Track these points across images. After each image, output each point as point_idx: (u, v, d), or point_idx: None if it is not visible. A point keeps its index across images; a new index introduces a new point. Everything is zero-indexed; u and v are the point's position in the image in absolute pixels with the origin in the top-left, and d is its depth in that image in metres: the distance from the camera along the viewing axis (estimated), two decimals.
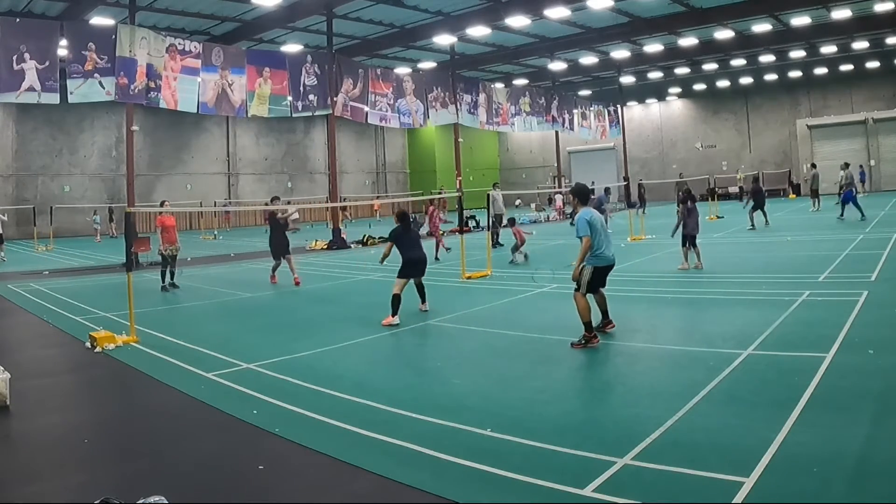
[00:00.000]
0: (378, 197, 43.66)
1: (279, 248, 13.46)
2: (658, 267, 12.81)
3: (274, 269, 13.81)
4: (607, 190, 25.69)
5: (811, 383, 5.35)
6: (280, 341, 8.09)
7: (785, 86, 39.53)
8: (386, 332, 8.40)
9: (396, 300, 8.91)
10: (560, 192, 32.81)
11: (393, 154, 51.04)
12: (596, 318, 7.42)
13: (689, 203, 12.49)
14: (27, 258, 21.93)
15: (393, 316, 8.81)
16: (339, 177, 33.86)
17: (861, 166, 35.27)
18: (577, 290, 7.28)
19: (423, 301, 9.64)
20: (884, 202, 27.13)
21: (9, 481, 4.35)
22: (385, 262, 9.72)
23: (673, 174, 41.80)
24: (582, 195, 7.66)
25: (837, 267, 11.44)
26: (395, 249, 9.56)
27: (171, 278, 13.38)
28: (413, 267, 9.33)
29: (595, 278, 7.31)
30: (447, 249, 17.20)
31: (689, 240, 12.28)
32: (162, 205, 14.81)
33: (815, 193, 25.61)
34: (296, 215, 31.17)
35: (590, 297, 7.34)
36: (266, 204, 15.60)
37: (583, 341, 7.07)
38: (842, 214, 20.25)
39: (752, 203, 19.54)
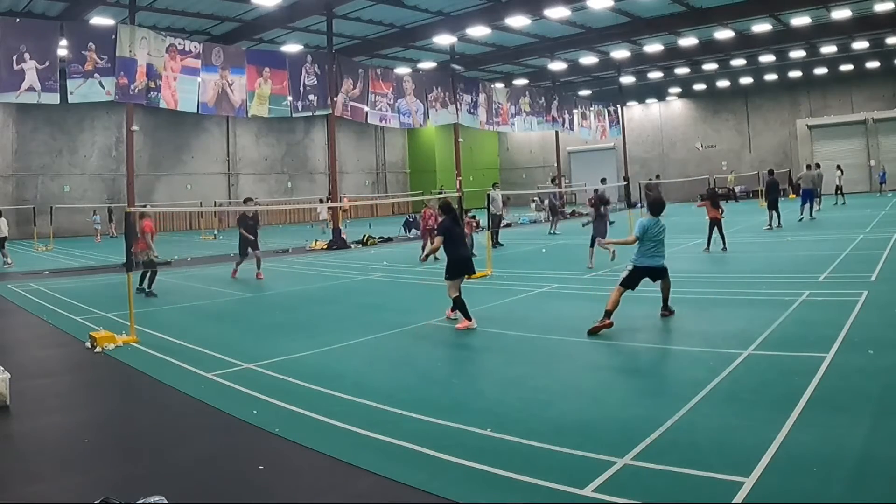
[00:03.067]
0: (354, 198, 38.20)
1: (247, 245, 14.37)
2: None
3: (238, 265, 14.83)
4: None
5: (811, 383, 5.35)
6: (280, 341, 8.09)
7: (785, 86, 39.52)
8: (386, 332, 8.40)
9: (460, 303, 8.32)
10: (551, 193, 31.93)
11: (393, 154, 51.03)
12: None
13: (602, 209, 13.77)
14: (27, 258, 21.92)
15: (469, 319, 8.25)
16: (339, 177, 33.84)
17: (884, 166, 34.80)
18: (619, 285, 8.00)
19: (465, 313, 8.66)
20: (884, 202, 27.13)
21: (9, 481, 4.35)
22: (429, 260, 9.01)
23: (673, 174, 41.82)
24: (656, 206, 8.28)
25: (837, 267, 11.44)
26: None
27: (150, 284, 12.61)
28: (464, 265, 8.59)
29: (632, 277, 7.94)
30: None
31: (594, 241, 13.34)
32: (145, 206, 14.46)
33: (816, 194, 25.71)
34: (324, 215, 31.03)
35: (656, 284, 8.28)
36: (245, 202, 16.39)
37: (596, 323, 7.63)
38: (810, 214, 20.93)
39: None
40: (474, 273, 8.86)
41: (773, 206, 18.87)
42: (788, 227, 18.88)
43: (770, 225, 18.78)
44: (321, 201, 34.13)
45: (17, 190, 33.14)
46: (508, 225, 26.58)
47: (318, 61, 21.47)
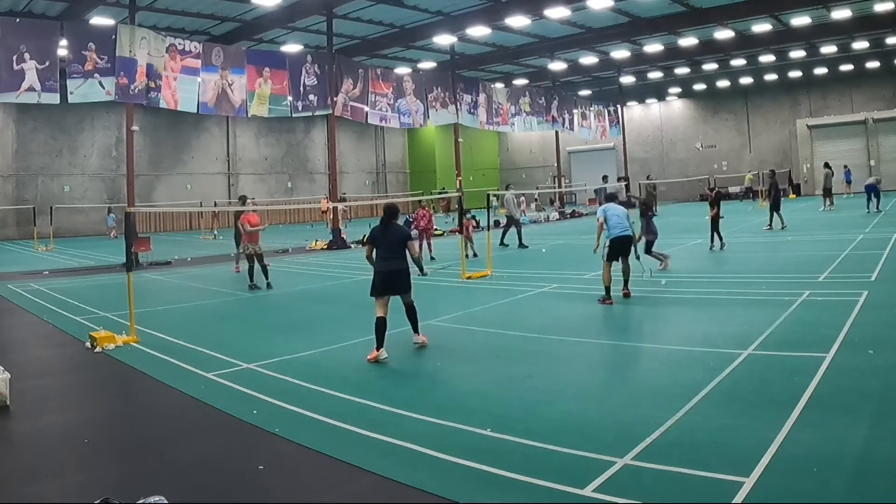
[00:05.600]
0: (330, 198, 31.68)
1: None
2: (658, 267, 12.79)
3: (237, 259, 15.37)
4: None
5: (811, 383, 5.35)
6: (280, 341, 8.09)
7: (785, 86, 39.52)
8: (386, 331, 8.37)
9: (377, 325, 6.98)
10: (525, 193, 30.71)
11: (393, 154, 51.03)
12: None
13: (649, 212, 13.08)
14: (27, 258, 21.92)
15: (377, 349, 6.92)
16: (340, 177, 33.81)
17: (845, 166, 35.01)
18: (604, 259, 9.74)
19: (416, 331, 7.53)
20: (884, 202, 27.09)
21: (9, 481, 4.35)
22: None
23: (673, 174, 41.82)
24: (610, 197, 10.48)
25: (837, 267, 11.45)
26: None
27: (266, 277, 12.92)
28: (383, 281, 7.18)
29: (612, 249, 9.66)
30: (431, 258, 16.46)
31: (650, 245, 12.55)
32: (244, 202, 14.68)
33: (827, 192, 25.77)
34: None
35: (616, 269, 9.79)
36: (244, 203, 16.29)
37: (600, 299, 9.49)
38: (877, 207, 22.45)
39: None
40: (403, 293, 7.34)
41: (775, 206, 18.72)
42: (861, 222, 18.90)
43: (770, 225, 18.64)
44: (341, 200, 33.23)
45: (17, 190, 33.13)
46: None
47: (318, 61, 21.47)
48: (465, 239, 15.68)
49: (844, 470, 3.84)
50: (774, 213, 18.69)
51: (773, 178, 19.33)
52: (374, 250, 7.35)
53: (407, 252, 7.41)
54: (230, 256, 17.55)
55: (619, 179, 26.76)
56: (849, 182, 32.26)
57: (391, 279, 7.20)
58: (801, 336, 6.96)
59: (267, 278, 12.96)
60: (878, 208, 22.65)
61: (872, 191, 22.83)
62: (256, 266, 12.97)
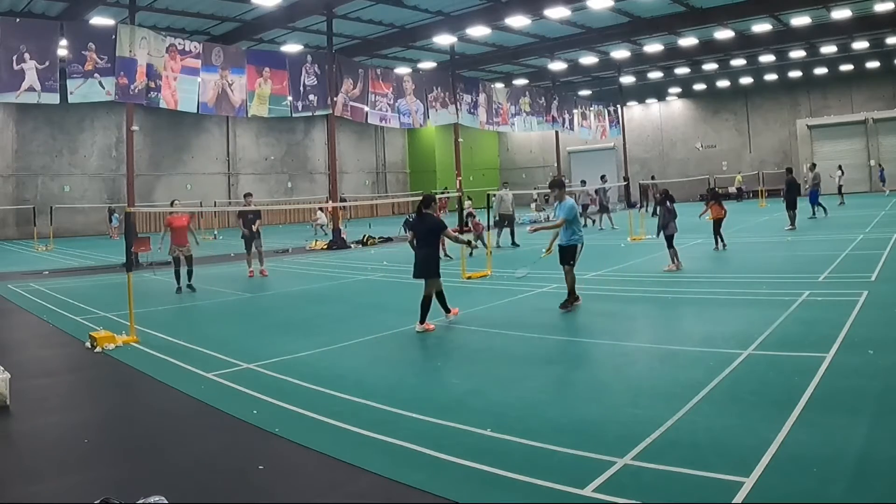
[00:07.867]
0: (326, 202, 31.39)
1: (249, 240, 15.03)
2: (658, 267, 12.81)
3: (249, 262, 15.31)
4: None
5: (811, 383, 5.35)
6: (280, 341, 8.09)
7: (785, 86, 39.51)
8: (386, 332, 8.39)
9: (422, 303, 8.32)
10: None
11: (393, 154, 51.03)
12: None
13: (668, 204, 12.75)
14: (27, 258, 21.91)
15: (420, 322, 8.27)
16: (339, 177, 33.81)
17: (881, 166, 34.91)
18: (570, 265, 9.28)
19: (445, 311, 8.73)
20: (884, 202, 27.13)
21: (9, 481, 4.35)
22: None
23: (673, 174, 41.80)
24: (560, 186, 9.52)
25: (837, 267, 11.45)
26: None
27: (189, 279, 12.97)
28: (416, 266, 8.56)
29: (565, 254, 9.29)
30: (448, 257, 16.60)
31: (670, 240, 12.40)
32: (172, 204, 14.65)
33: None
34: (322, 220, 30.71)
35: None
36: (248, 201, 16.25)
37: (566, 305, 9.18)
38: (813, 214, 21.16)
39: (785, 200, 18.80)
40: (424, 276, 8.44)
41: (791, 205, 18.53)
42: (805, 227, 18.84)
43: (793, 224, 18.39)
44: (320, 209, 33.24)
45: (17, 190, 33.14)
46: None
47: (318, 61, 21.47)
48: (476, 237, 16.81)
49: (844, 470, 3.84)
50: (792, 212, 18.44)
51: (790, 177, 19.11)
52: (415, 237, 8.90)
53: (441, 240, 8.95)
54: (231, 256, 17.57)
55: (582, 182, 26.70)
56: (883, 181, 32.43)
57: (419, 264, 8.49)
58: (801, 336, 6.96)
59: (189, 280, 12.93)
60: (813, 214, 21.17)
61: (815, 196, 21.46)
62: (183, 269, 12.89)
